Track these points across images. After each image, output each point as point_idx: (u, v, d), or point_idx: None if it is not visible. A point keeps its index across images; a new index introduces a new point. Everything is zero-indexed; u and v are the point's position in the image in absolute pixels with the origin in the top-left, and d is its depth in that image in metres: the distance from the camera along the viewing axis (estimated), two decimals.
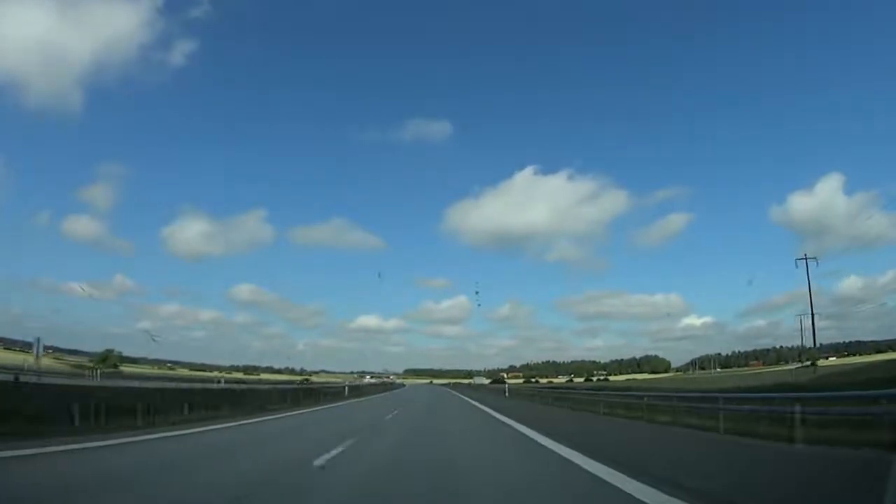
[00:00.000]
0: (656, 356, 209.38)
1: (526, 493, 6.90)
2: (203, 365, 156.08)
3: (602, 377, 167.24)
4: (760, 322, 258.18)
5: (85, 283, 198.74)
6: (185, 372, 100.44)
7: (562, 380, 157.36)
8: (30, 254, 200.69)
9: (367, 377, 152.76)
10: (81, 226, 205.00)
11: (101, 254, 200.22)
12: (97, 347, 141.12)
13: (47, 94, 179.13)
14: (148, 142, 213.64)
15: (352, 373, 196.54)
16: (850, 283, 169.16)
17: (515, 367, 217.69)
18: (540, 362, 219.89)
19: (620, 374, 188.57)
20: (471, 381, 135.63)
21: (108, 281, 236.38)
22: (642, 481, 6.79)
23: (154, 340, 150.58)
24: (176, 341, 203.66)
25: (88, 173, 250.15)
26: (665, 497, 5.97)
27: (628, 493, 6.23)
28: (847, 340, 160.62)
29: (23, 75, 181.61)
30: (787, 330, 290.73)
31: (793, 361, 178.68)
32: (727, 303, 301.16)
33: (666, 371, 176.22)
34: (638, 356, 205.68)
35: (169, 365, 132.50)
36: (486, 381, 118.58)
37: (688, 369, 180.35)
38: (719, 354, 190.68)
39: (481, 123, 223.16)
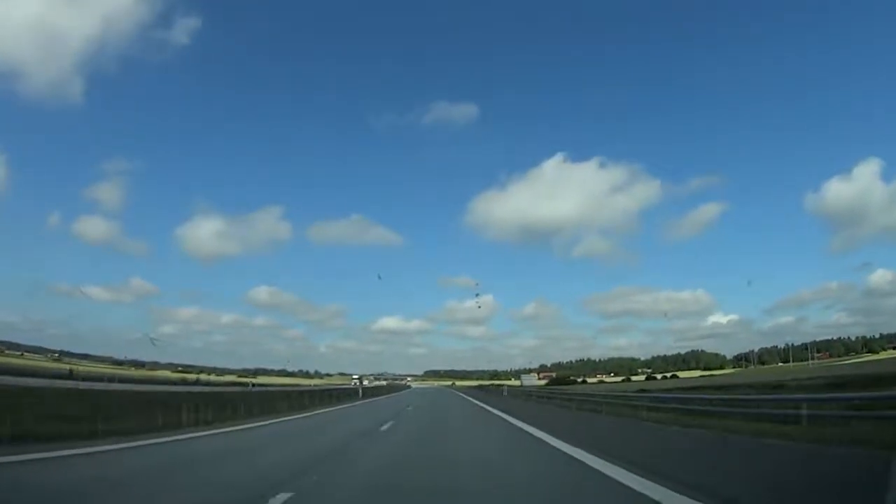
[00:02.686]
0: (702, 351, 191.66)
1: None
2: (205, 368, 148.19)
3: (647, 375, 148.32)
4: (788, 318, 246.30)
5: (86, 286, 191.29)
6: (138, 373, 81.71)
7: (614, 379, 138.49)
8: (43, 258, 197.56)
9: (354, 379, 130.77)
10: (93, 227, 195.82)
11: (115, 256, 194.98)
12: (114, 352, 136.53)
13: (47, 84, 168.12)
14: (156, 136, 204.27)
15: (370, 375, 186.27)
16: (879, 277, 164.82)
17: (546, 366, 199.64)
18: (573, 361, 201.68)
19: (665, 371, 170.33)
20: (518, 382, 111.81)
21: (124, 284, 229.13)
22: None
23: (154, 344, 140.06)
24: (199, 347, 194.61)
25: (96, 171, 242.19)
26: None
27: None
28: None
29: (21, 63, 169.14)
30: (812, 326, 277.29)
31: (859, 353, 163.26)
32: (754, 299, 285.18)
33: (722, 367, 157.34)
34: (667, 353, 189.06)
35: (148, 366, 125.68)
36: (542, 383, 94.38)
37: (745, 364, 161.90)
38: (776, 347, 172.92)
39: (508, 107, 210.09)
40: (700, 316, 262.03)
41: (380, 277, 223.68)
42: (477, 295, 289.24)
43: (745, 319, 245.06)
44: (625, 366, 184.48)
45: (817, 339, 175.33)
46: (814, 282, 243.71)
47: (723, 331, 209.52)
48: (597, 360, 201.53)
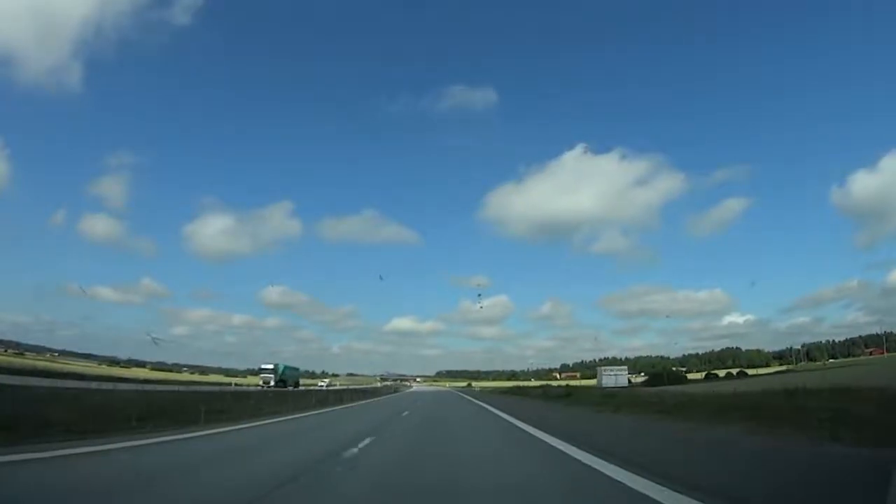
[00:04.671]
0: (738, 348, 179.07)
1: None
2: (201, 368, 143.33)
3: (706, 373, 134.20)
4: (804, 318, 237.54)
5: (96, 287, 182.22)
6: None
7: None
8: (53, 258, 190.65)
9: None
10: (100, 225, 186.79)
11: (123, 255, 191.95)
12: (120, 353, 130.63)
13: (46, 71, 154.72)
14: (161, 130, 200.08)
15: (378, 375, 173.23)
16: None
17: (569, 365, 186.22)
18: (596, 360, 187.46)
19: (699, 371, 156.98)
20: (536, 384, 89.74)
21: (134, 285, 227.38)
22: None
23: (156, 343, 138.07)
24: (210, 347, 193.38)
25: (100, 165, 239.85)
26: None
27: None
28: None
29: (18, 48, 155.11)
30: (828, 326, 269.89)
31: None
32: (771, 298, 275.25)
33: (768, 365, 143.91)
34: (699, 352, 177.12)
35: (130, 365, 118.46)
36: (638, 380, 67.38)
37: (795, 361, 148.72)
38: (821, 342, 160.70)
39: (528, 96, 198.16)
40: (717, 315, 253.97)
41: (381, 278, 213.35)
42: (479, 296, 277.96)
43: (762, 319, 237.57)
44: (655, 365, 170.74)
45: (862, 335, 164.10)
46: (834, 279, 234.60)
47: (739, 330, 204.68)
48: (621, 359, 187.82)
